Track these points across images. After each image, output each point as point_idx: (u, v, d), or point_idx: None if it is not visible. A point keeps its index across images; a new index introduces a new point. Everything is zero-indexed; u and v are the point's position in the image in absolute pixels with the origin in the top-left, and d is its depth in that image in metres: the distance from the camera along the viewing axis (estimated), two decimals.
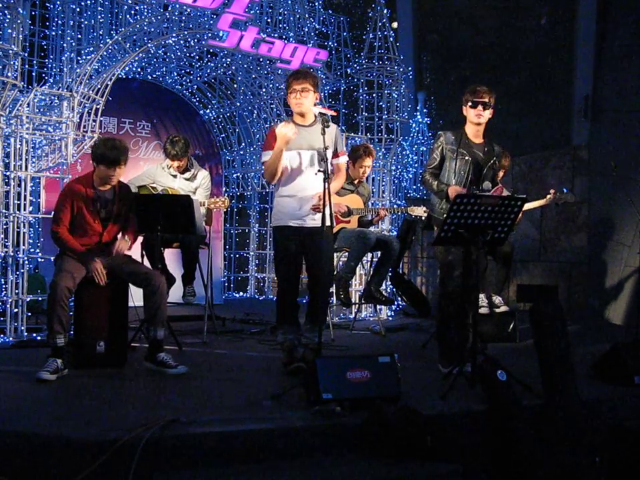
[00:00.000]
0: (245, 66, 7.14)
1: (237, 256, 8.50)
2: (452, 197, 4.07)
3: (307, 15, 7.29)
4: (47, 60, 6.64)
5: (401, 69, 7.36)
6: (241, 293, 8.50)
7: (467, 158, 4.16)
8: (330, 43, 7.65)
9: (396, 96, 7.34)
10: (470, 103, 4.17)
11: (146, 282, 4.02)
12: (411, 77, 8.19)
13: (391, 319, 6.87)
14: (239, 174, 8.31)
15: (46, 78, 6.57)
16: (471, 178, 4.16)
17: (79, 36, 6.02)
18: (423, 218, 5.50)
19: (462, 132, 4.26)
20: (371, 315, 6.72)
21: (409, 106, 7.83)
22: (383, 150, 7.24)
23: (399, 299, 7.04)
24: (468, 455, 3.15)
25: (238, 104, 7.84)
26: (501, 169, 5.62)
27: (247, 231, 8.50)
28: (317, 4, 7.56)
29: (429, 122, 9.11)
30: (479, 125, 4.21)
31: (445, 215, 4.16)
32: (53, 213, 4.14)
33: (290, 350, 4.04)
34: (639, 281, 6.67)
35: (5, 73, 4.69)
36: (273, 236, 4.18)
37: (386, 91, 7.33)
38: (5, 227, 4.86)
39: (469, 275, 4.19)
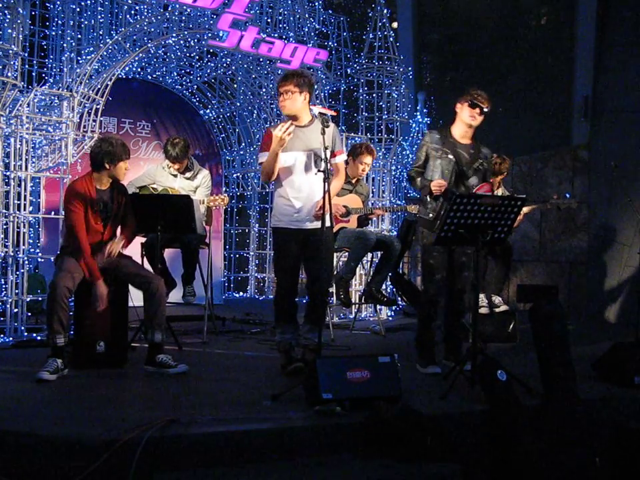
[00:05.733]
0: (245, 66, 7.14)
1: (237, 256, 8.49)
2: (434, 191, 4.08)
3: (307, 15, 7.28)
4: (47, 60, 6.63)
5: (401, 69, 7.36)
6: (241, 293, 8.50)
7: (450, 157, 4.15)
8: (330, 43, 7.64)
9: (396, 96, 7.34)
10: (470, 102, 4.14)
11: (145, 285, 4.01)
12: (410, 76, 8.19)
13: (391, 319, 6.87)
14: (239, 174, 8.31)
15: (46, 78, 6.56)
16: (455, 177, 4.16)
17: (79, 36, 6.01)
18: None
19: (447, 131, 4.25)
20: (371, 315, 6.72)
21: (409, 106, 7.83)
22: (383, 150, 7.24)
23: (399, 299, 7.05)
24: (468, 455, 3.15)
25: (238, 104, 7.84)
26: (499, 173, 5.67)
27: (247, 230, 8.49)
28: (317, 4, 7.55)
29: (429, 122, 9.10)
30: (469, 126, 4.20)
31: (430, 215, 4.17)
32: (65, 221, 4.05)
33: (286, 351, 4.04)
34: (638, 280, 6.67)
35: (5, 73, 4.69)
36: (272, 236, 4.18)
37: (386, 91, 7.33)
38: (5, 227, 4.85)
39: (455, 277, 4.21)
